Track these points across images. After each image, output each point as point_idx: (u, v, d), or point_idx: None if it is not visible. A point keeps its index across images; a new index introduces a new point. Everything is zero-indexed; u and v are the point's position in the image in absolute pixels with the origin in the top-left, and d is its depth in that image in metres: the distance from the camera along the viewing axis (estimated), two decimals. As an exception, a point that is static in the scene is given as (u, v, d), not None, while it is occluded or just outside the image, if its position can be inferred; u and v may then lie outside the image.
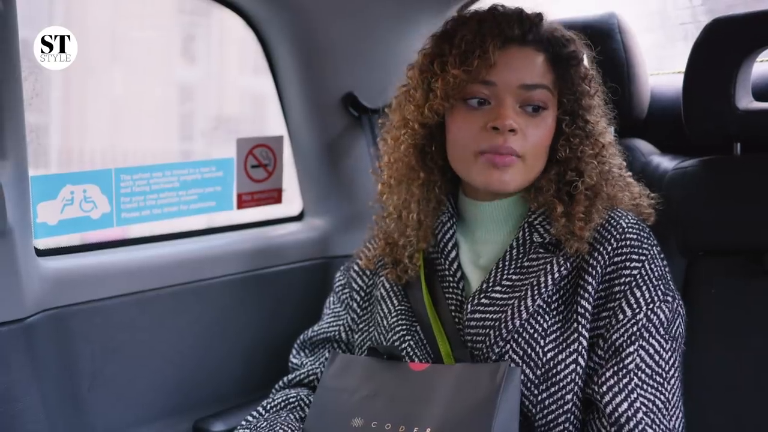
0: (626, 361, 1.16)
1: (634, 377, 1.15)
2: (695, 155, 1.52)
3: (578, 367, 1.18)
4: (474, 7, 1.38)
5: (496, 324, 1.20)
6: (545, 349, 1.18)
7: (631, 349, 1.17)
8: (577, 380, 1.18)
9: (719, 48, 1.42)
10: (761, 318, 1.39)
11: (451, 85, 1.21)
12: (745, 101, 1.43)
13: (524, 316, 1.19)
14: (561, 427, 1.17)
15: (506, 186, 1.22)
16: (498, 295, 1.23)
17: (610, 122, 1.31)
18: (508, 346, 1.19)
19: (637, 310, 1.18)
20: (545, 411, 1.18)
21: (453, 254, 1.30)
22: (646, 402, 1.15)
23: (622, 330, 1.18)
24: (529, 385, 1.18)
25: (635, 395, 1.15)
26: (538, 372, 1.18)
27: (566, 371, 1.18)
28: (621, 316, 1.18)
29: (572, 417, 1.18)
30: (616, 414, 1.13)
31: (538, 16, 1.25)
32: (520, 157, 1.21)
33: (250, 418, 1.33)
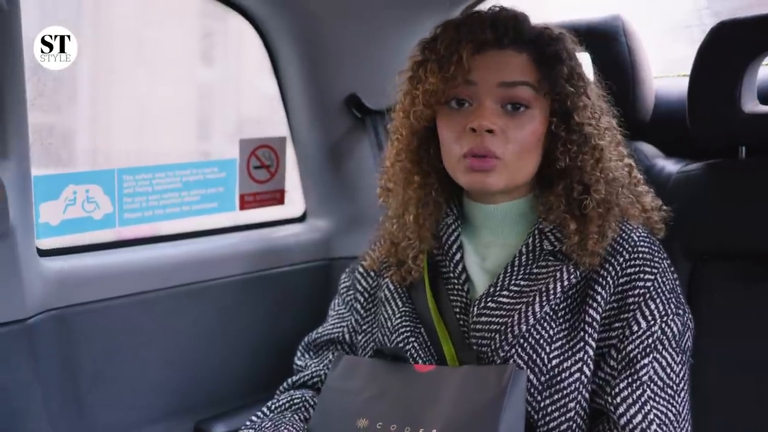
0: (640, 373, 1.16)
1: (647, 389, 1.16)
2: (700, 158, 1.52)
3: (583, 376, 1.18)
4: (478, 8, 1.38)
5: (502, 328, 1.20)
6: (550, 356, 1.18)
7: (646, 360, 1.17)
8: (581, 389, 1.18)
9: (725, 51, 1.42)
10: (765, 322, 1.38)
11: (431, 91, 1.22)
12: (751, 105, 1.42)
13: (531, 321, 1.19)
14: None
15: (491, 187, 1.22)
16: (505, 300, 1.23)
17: (612, 114, 1.29)
18: (514, 350, 1.19)
19: (652, 323, 1.19)
20: (547, 418, 1.17)
21: (458, 256, 1.30)
22: (659, 414, 1.15)
23: (638, 341, 1.18)
24: (532, 390, 1.18)
25: (649, 407, 1.15)
26: (543, 378, 1.18)
27: (570, 379, 1.17)
28: (636, 328, 1.18)
29: (574, 426, 1.18)
30: (631, 425, 1.14)
31: (517, 18, 1.24)
32: (501, 159, 1.20)
33: (254, 419, 1.32)
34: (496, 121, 1.19)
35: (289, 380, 1.42)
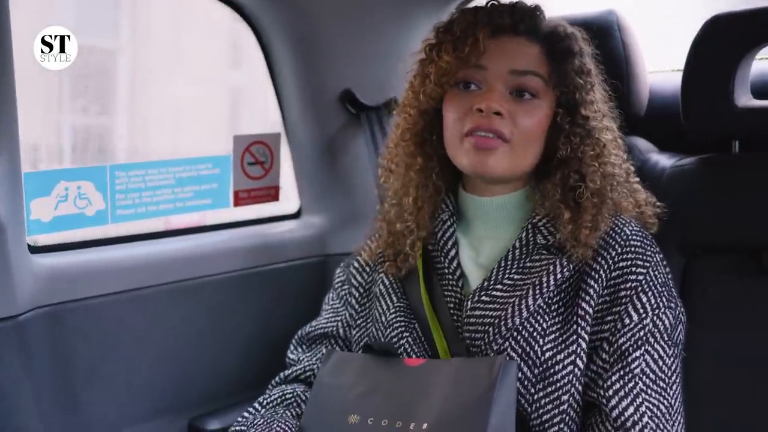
0: (632, 366, 1.17)
1: (639, 382, 1.16)
2: (694, 153, 1.51)
3: (576, 369, 1.18)
4: (473, 4, 1.39)
5: (496, 321, 1.20)
6: (543, 349, 1.18)
7: (637, 353, 1.17)
8: (574, 382, 1.18)
9: (718, 45, 1.41)
10: (758, 316, 1.39)
11: (444, 70, 1.23)
12: (744, 99, 1.42)
13: (524, 314, 1.19)
14: (556, 428, 1.17)
15: (491, 170, 1.22)
16: (499, 293, 1.23)
17: (614, 119, 1.31)
18: (507, 343, 1.19)
19: (644, 315, 1.19)
20: (540, 411, 1.17)
21: (453, 252, 1.30)
22: (651, 407, 1.15)
23: (629, 334, 1.18)
24: (525, 383, 1.18)
25: (640, 399, 1.15)
26: (536, 371, 1.18)
27: (564, 372, 1.18)
28: (627, 321, 1.19)
29: (567, 418, 1.18)
30: (623, 418, 1.14)
31: (534, 9, 1.27)
32: (508, 142, 1.21)
33: (246, 415, 1.33)
34: (504, 104, 1.21)
35: (282, 374, 1.42)
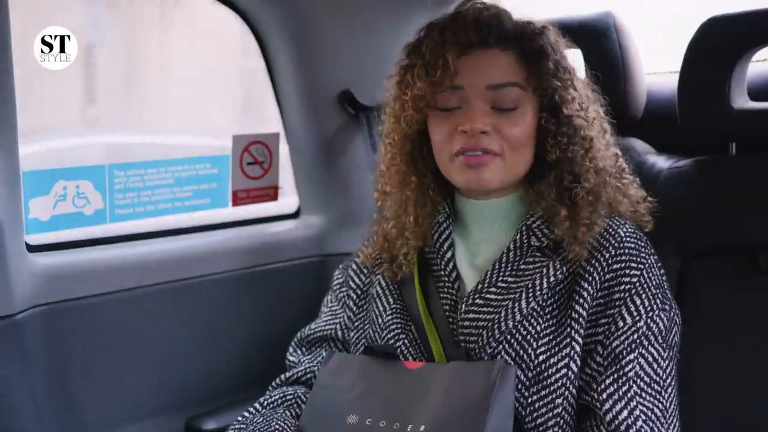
0: (626, 369, 1.16)
1: (634, 385, 1.16)
2: (691, 155, 1.51)
3: (570, 372, 1.18)
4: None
5: (490, 324, 1.20)
6: (537, 352, 1.18)
7: (631, 356, 1.17)
8: (568, 385, 1.18)
9: (715, 47, 1.41)
10: (755, 318, 1.39)
11: (419, 96, 1.23)
12: (741, 101, 1.42)
13: (518, 317, 1.19)
14: (550, 431, 1.17)
15: (486, 184, 1.23)
16: (492, 296, 1.23)
17: (599, 104, 1.30)
18: (501, 347, 1.19)
19: (637, 318, 1.19)
20: (534, 414, 1.17)
21: (449, 255, 1.30)
22: (645, 410, 1.15)
23: (623, 337, 1.18)
24: (519, 386, 1.18)
25: (635, 403, 1.15)
26: (530, 374, 1.18)
27: (557, 375, 1.18)
28: (621, 324, 1.18)
29: (561, 422, 1.18)
30: (617, 422, 1.14)
31: (499, 16, 1.25)
32: (498, 154, 1.21)
33: (246, 414, 1.33)
34: (487, 121, 1.21)
35: (282, 376, 1.42)
